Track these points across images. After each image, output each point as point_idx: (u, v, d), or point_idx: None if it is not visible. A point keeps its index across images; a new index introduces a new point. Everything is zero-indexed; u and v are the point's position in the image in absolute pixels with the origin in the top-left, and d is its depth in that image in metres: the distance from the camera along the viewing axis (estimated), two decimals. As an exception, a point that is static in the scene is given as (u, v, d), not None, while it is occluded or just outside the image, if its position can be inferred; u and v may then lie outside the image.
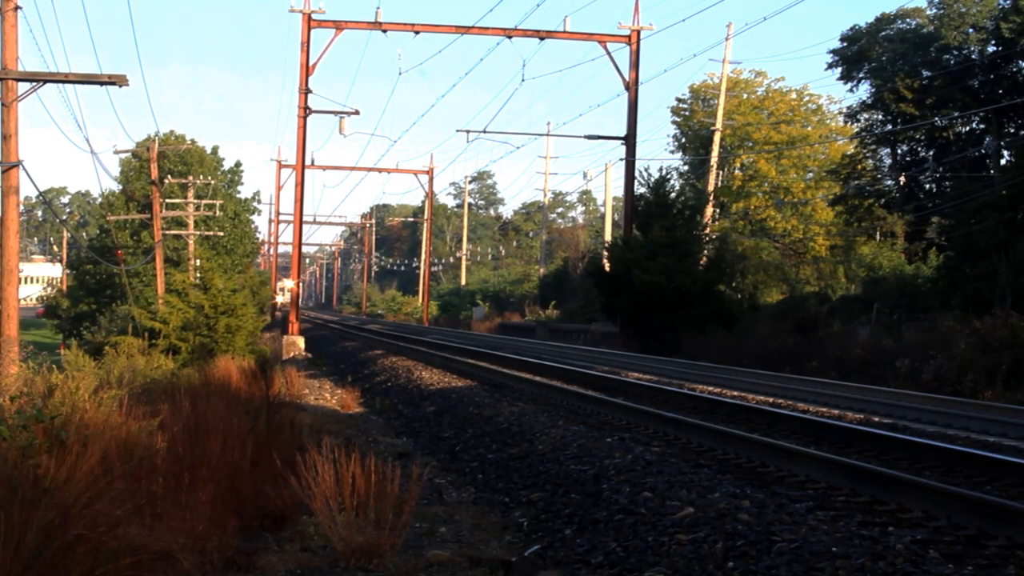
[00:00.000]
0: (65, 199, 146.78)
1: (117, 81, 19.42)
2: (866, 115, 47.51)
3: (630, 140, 39.87)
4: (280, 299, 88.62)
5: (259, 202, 71.47)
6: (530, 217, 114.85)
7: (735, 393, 18.71)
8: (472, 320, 70.34)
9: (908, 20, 45.46)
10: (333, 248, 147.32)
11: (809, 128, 55.79)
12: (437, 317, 78.11)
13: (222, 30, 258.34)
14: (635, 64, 38.77)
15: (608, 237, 52.52)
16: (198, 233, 48.24)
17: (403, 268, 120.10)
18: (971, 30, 41.61)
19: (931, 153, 44.55)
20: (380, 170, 68.79)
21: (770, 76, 57.54)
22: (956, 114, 41.27)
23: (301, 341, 37.82)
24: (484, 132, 42.13)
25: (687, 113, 58.75)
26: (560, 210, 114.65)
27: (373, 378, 25.60)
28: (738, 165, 55.64)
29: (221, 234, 54.85)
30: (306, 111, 38.57)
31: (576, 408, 16.33)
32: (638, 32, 38.68)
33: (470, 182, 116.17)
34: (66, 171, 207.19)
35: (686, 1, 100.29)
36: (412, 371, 24.42)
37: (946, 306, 28.58)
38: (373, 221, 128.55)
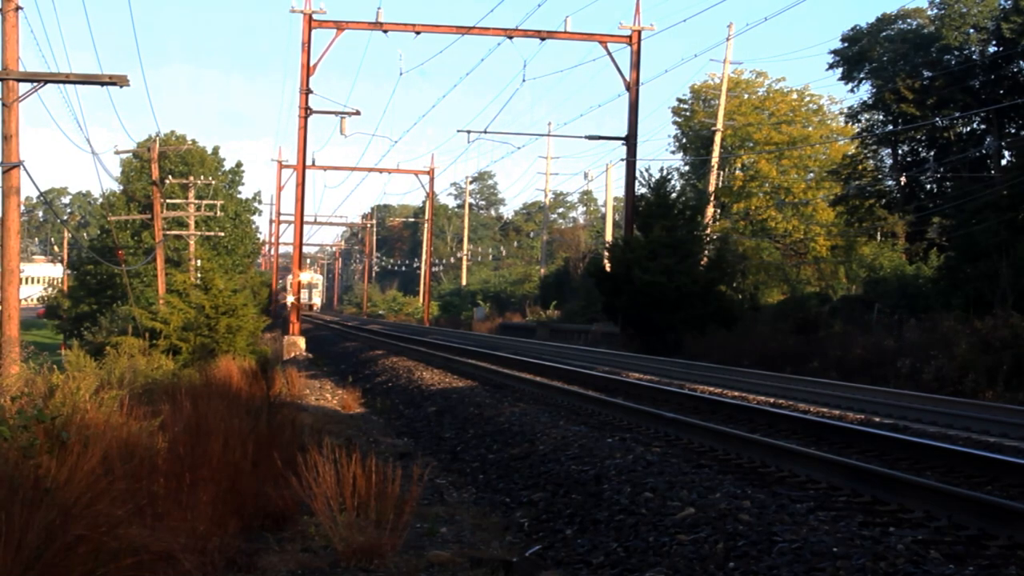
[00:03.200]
0: (66, 199, 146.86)
1: (118, 81, 19.43)
2: (867, 115, 47.49)
3: (631, 140, 39.86)
4: (291, 299, 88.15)
5: (260, 202, 71.53)
6: (531, 217, 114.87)
7: (736, 393, 18.71)
8: (473, 320, 70.34)
9: (909, 20, 45.44)
10: (334, 248, 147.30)
11: (810, 128, 55.77)
12: (438, 317, 78.13)
13: (223, 30, 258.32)
14: (636, 64, 38.76)
15: (609, 237, 52.54)
16: (199, 233, 48.26)
17: (404, 268, 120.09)
18: (972, 30, 41.59)
19: (932, 153, 44.53)
20: (381, 170, 68.83)
21: (771, 76, 57.57)
22: (957, 114, 41.25)
23: (302, 341, 37.82)
24: (485, 132, 42.16)
25: (688, 113, 58.74)
26: (561, 210, 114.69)
27: (374, 378, 25.61)
28: (739, 165, 55.63)
29: (222, 234, 54.90)
30: (307, 111, 38.57)
31: (577, 408, 16.33)
32: (639, 32, 38.67)
33: (471, 182, 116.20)
34: (67, 171, 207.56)
35: (687, 1, 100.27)
36: (413, 371, 24.42)
37: (947, 306, 28.56)
38: (374, 221, 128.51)
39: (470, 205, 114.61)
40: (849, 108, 50.37)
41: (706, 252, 38.84)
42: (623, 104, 40.94)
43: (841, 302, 37.89)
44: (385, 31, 38.25)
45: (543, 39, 38.23)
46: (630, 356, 30.93)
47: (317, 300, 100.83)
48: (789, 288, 47.39)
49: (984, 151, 41.97)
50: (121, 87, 19.62)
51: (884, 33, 45.70)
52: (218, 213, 49.27)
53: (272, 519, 9.13)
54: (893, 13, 45.89)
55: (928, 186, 45.51)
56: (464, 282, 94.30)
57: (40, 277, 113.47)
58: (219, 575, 7.39)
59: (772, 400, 17.38)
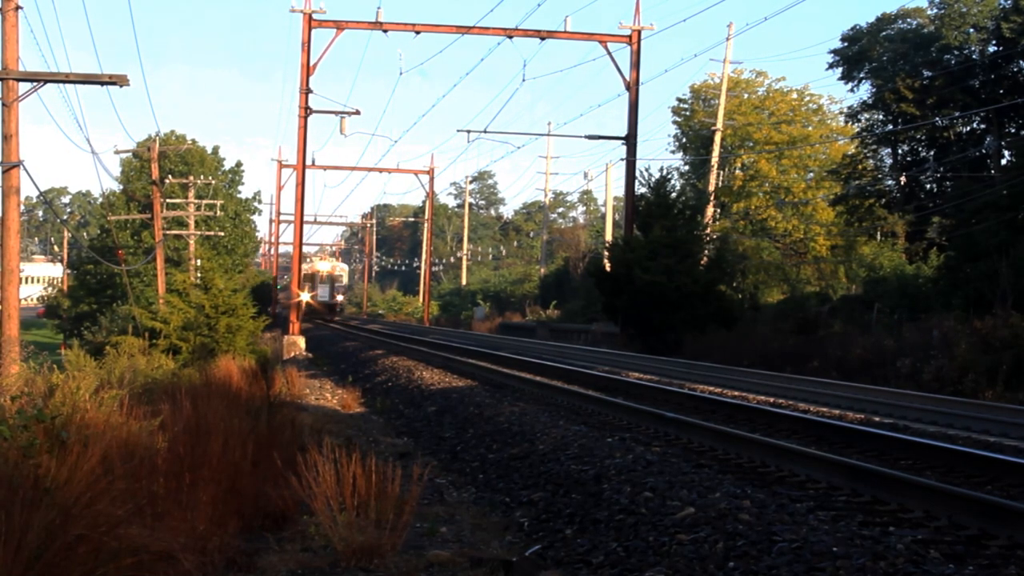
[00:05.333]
0: (66, 199, 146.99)
1: (118, 81, 19.45)
2: (867, 115, 47.50)
3: (631, 140, 39.86)
4: (303, 297, 63.67)
5: (260, 202, 71.55)
6: (531, 217, 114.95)
7: (736, 393, 18.71)
8: (473, 320, 70.35)
9: (909, 20, 45.46)
10: (334, 248, 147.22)
11: (810, 128, 55.77)
12: (438, 317, 78.14)
13: (222, 30, 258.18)
14: (636, 64, 38.76)
15: (609, 237, 52.53)
16: (199, 233, 48.33)
17: (404, 268, 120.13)
18: (972, 30, 41.60)
19: (932, 153, 44.55)
20: (381, 170, 68.78)
21: (771, 76, 57.55)
22: (957, 114, 41.25)
23: (302, 341, 37.81)
24: (485, 132, 42.06)
25: (688, 113, 58.74)
26: (561, 210, 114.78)
27: (374, 378, 25.60)
28: (739, 165, 55.63)
29: (222, 234, 54.95)
30: (307, 111, 38.57)
31: (577, 408, 16.33)
32: (639, 32, 38.67)
33: (471, 182, 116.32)
34: (67, 171, 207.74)
35: (687, 1, 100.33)
36: (413, 371, 24.42)
37: (947, 306, 28.57)
38: (374, 221, 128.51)
39: (470, 205, 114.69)
40: (849, 108, 50.44)
41: (706, 252, 38.83)
42: (623, 104, 41.01)
43: (841, 302, 37.89)
44: (385, 31, 38.25)
45: (543, 39, 38.23)
46: (630, 356, 30.92)
47: (341, 298, 74.74)
48: (789, 288, 47.39)
49: (984, 151, 41.98)
50: (121, 87, 19.65)
51: (884, 33, 45.71)
52: (218, 213, 49.33)
53: (272, 519, 9.14)
54: (893, 13, 45.97)
55: (928, 186, 45.52)
56: (464, 282, 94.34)
57: (40, 277, 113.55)
58: (219, 575, 7.39)
59: (772, 400, 17.38)
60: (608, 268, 38.24)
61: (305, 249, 64.27)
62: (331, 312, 70.09)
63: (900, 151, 46.21)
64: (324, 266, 72.56)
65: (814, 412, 15.42)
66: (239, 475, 9.16)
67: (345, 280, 75.80)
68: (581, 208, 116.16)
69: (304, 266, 67.58)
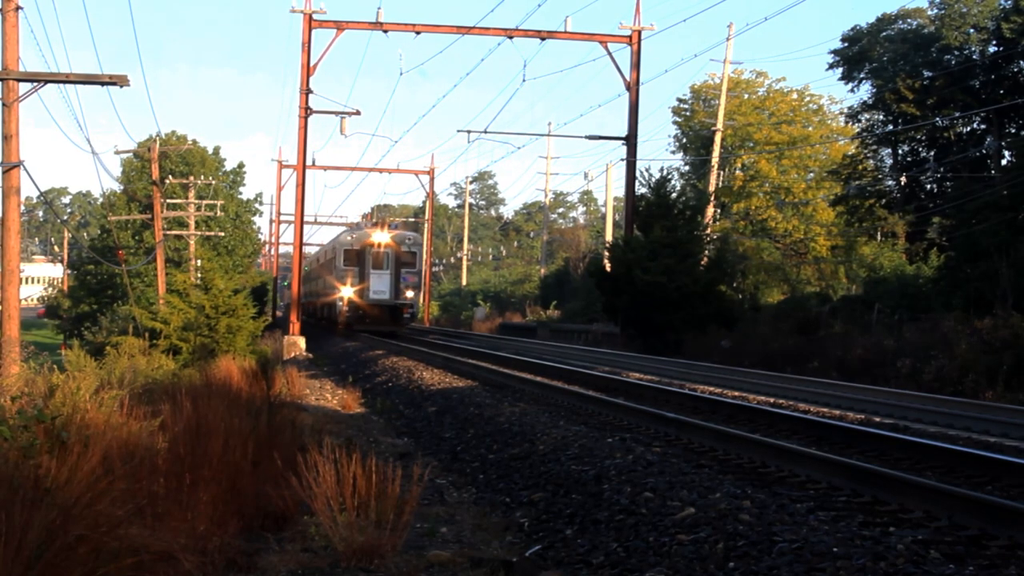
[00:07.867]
0: (66, 199, 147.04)
1: (118, 81, 19.45)
2: (867, 115, 47.52)
3: (631, 140, 39.88)
4: (345, 293, 42.37)
5: (261, 203, 71.51)
6: (531, 217, 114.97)
7: (736, 393, 18.70)
8: (473, 320, 70.29)
9: (909, 20, 45.48)
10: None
11: (810, 128, 55.78)
12: (438, 317, 78.09)
13: (223, 30, 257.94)
14: (636, 64, 38.78)
15: (609, 237, 52.51)
16: (199, 233, 48.32)
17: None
18: (972, 30, 41.61)
19: (932, 153, 44.54)
20: (381, 170, 68.77)
21: (771, 76, 57.56)
22: (957, 114, 41.25)
23: (302, 341, 37.80)
24: (485, 132, 41.99)
25: (688, 113, 58.75)
26: (561, 210, 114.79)
27: (374, 378, 25.60)
28: (739, 165, 55.63)
29: (222, 235, 54.92)
30: (307, 111, 38.59)
31: (577, 408, 16.32)
32: (639, 32, 38.70)
33: (471, 182, 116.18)
34: (67, 171, 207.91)
35: (687, 1, 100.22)
36: (413, 371, 24.42)
37: (947, 306, 28.57)
38: (374, 221, 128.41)
39: (470, 205, 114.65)
40: (849, 108, 50.48)
41: (706, 252, 38.84)
42: (623, 104, 41.08)
43: (841, 302, 37.86)
44: (385, 31, 38.28)
45: (543, 39, 38.26)
46: (630, 356, 30.92)
47: (412, 295, 44.06)
48: (789, 288, 47.39)
49: (984, 151, 41.98)
50: (121, 87, 19.65)
51: (884, 33, 45.73)
52: (218, 213, 49.33)
53: (272, 519, 9.14)
54: (893, 13, 46.02)
55: (928, 186, 45.52)
56: (464, 282, 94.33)
57: (40, 277, 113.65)
58: (219, 575, 7.39)
59: (772, 400, 17.37)
60: (608, 268, 38.24)
61: (306, 249, 62.00)
62: (394, 320, 43.52)
63: (900, 151, 46.21)
64: (382, 237, 43.82)
65: (814, 412, 15.42)
66: (239, 475, 9.16)
67: (418, 265, 45.32)
68: (581, 208, 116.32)
69: (347, 236, 46.06)
